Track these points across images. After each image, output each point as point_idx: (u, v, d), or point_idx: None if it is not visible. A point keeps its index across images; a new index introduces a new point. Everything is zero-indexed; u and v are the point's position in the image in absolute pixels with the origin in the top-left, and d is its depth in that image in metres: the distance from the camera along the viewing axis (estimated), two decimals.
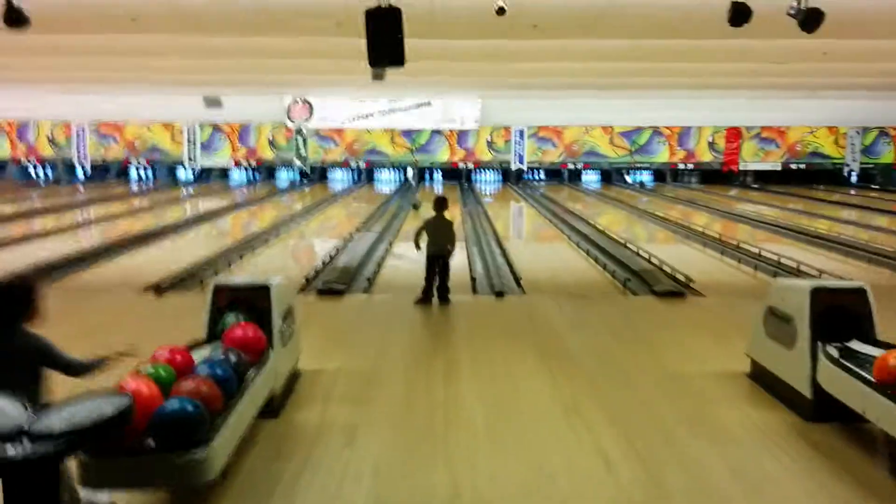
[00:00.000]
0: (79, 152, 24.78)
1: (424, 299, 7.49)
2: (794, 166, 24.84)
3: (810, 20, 7.25)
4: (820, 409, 4.32)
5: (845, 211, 18.17)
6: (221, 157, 24.96)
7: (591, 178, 25.87)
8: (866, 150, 24.76)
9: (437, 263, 7.46)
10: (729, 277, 9.78)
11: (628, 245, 11.58)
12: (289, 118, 24.24)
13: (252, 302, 4.39)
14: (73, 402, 2.31)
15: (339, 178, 25.71)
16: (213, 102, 23.36)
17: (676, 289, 8.31)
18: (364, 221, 14.84)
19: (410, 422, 4.34)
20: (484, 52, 12.86)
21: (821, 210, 17.81)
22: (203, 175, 25.61)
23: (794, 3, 7.30)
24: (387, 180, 25.46)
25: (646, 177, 26.00)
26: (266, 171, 25.77)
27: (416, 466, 3.71)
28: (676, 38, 11.42)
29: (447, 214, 7.65)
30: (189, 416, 2.88)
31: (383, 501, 3.34)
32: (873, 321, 4.50)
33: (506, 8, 7.82)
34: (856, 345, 4.39)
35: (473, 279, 8.99)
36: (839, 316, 4.50)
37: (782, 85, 18.13)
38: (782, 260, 9.95)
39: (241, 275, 9.19)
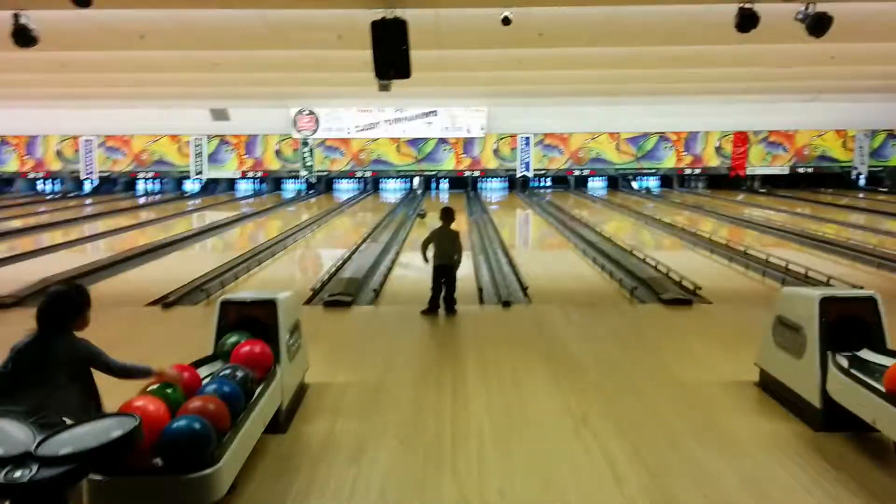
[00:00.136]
0: (86, 166, 24.94)
1: (431, 310, 7.49)
2: (801, 170, 24.74)
3: (818, 25, 7.24)
4: (830, 419, 4.29)
5: (854, 215, 18.07)
6: (228, 169, 25.07)
7: (597, 185, 25.85)
8: (875, 153, 24.64)
9: (444, 274, 7.47)
10: (736, 284, 9.74)
11: (635, 252, 11.54)
12: (295, 129, 24.34)
13: (259, 317, 4.40)
14: (80, 425, 2.31)
15: (345, 188, 25.78)
16: (219, 115, 23.49)
17: (684, 296, 8.28)
18: (370, 231, 14.86)
19: (418, 435, 4.32)
20: (489, 61, 12.91)
21: (829, 214, 17.71)
22: (210, 187, 25.73)
23: (802, 9, 7.30)
24: (393, 189, 25.51)
25: (652, 182, 25.95)
26: (273, 182, 25.88)
27: (424, 482, 3.70)
28: (682, 44, 11.43)
29: (454, 225, 7.65)
30: (196, 434, 2.88)
31: None
32: (883, 330, 4.47)
33: (511, 18, 7.85)
34: (866, 354, 4.36)
35: (480, 289, 8.98)
36: (849, 325, 4.46)
37: (789, 89, 18.12)
38: (790, 266, 9.89)
39: (248, 290, 9.21)
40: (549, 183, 25.96)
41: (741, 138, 24.53)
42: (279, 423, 4.24)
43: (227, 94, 19.23)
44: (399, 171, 25.08)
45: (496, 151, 24.78)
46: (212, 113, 23.45)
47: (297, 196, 24.70)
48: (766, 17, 7.45)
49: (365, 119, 24.35)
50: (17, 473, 2.03)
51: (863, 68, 14.58)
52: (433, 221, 8.21)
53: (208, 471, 2.82)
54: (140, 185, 25.78)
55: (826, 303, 4.47)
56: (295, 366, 4.66)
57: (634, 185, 25.83)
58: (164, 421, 2.98)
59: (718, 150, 24.67)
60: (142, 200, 23.66)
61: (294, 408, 4.64)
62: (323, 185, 25.51)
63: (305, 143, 24.53)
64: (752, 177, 25.05)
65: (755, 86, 17.40)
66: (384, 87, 12.11)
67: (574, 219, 17.03)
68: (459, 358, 6.04)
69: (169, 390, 3.30)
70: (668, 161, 24.81)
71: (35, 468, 2.05)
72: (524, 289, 8.96)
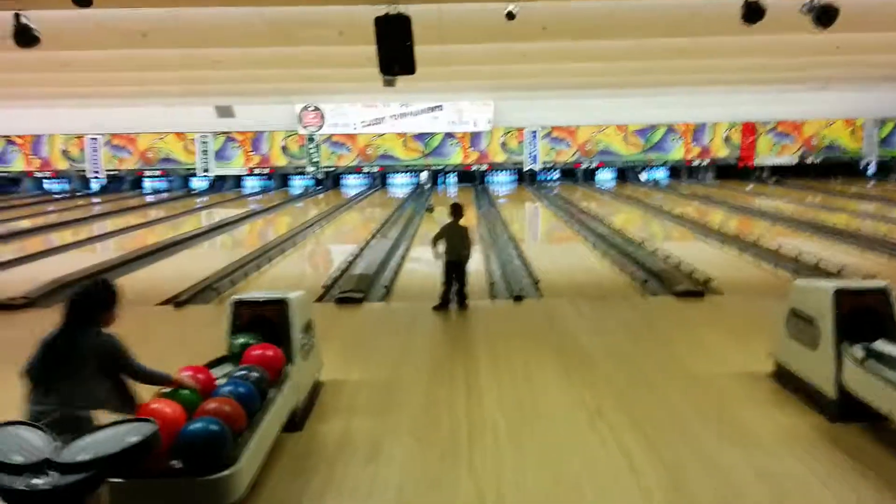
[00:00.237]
0: (93, 165, 25.03)
1: (443, 306, 7.49)
2: (810, 160, 24.57)
3: (824, 16, 7.18)
4: (845, 410, 4.27)
5: (863, 204, 17.95)
6: (235, 166, 25.11)
7: (605, 177, 25.76)
8: (883, 142, 24.46)
9: (455, 269, 7.47)
10: (748, 275, 9.70)
11: (645, 244, 11.51)
12: (301, 125, 24.35)
13: (271, 317, 4.40)
14: (98, 431, 2.32)
15: (352, 184, 25.79)
16: (225, 112, 23.52)
17: (695, 288, 8.25)
18: (379, 227, 14.86)
19: (433, 432, 4.33)
20: (494, 55, 12.86)
21: (838, 203, 17.61)
22: (217, 184, 25.80)
23: (808, 0, 7.24)
24: (400, 184, 25.50)
25: (661, 174, 25.84)
26: (279, 179, 25.91)
27: (440, 479, 3.70)
28: (686, 35, 11.36)
29: (463, 221, 7.65)
30: (213, 436, 2.89)
31: None
32: None
33: (515, 13, 7.81)
34: (881, 345, 4.33)
35: (491, 283, 8.98)
36: (862, 316, 4.44)
37: (796, 79, 17.98)
38: (801, 256, 9.84)
39: (259, 287, 9.23)
40: (557, 176, 25.89)
41: (749, 129, 24.39)
42: (295, 422, 4.25)
43: (231, 91, 19.23)
44: (406, 165, 25.06)
45: (503, 145, 24.72)
46: (217, 110, 23.48)
47: (305, 192, 24.73)
48: (772, 9, 7.39)
49: (370, 114, 24.33)
50: (37, 480, 2.03)
51: (870, 57, 14.46)
52: (441, 216, 8.20)
53: (226, 472, 2.83)
54: (147, 184, 25.86)
55: (840, 295, 4.46)
56: (309, 365, 4.67)
57: (642, 176, 25.73)
58: (181, 423, 3.00)
59: (727, 140, 24.54)
60: (149, 199, 23.72)
61: (309, 406, 4.65)
62: (330, 180, 25.53)
63: (311, 139, 24.54)
64: (761, 167, 24.91)
65: (762, 76, 17.27)
66: (389, 83, 12.10)
67: (583, 211, 16.99)
68: (472, 353, 6.05)
69: (185, 392, 3.31)
70: (677, 152, 24.70)
71: (54, 475, 2.06)
72: (535, 283, 8.94)
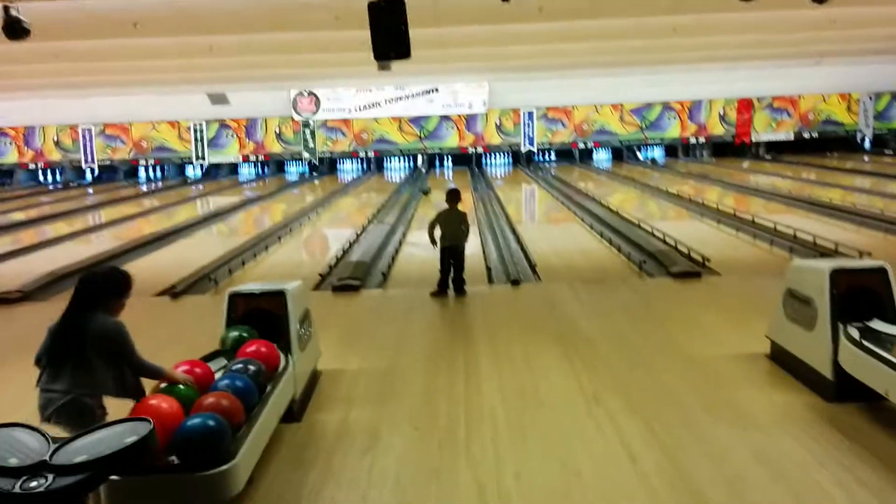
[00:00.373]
0: (86, 155, 24.90)
1: (440, 292, 7.49)
2: (806, 135, 24.52)
3: None
4: (842, 390, 4.28)
5: (859, 179, 17.94)
6: (229, 153, 25.00)
7: (602, 157, 25.69)
8: (879, 116, 24.38)
9: (452, 255, 7.46)
10: (744, 254, 9.70)
11: (642, 225, 11.49)
12: (295, 111, 24.21)
13: (269, 308, 4.39)
14: (94, 431, 2.31)
15: (348, 169, 25.70)
16: (218, 99, 23.36)
17: (692, 269, 8.25)
18: (376, 212, 14.83)
19: (432, 421, 4.33)
20: (489, 37, 12.77)
21: (835, 179, 17.59)
22: (212, 172, 25.70)
23: None
24: (397, 169, 25.42)
25: (657, 153, 25.78)
26: (275, 165, 25.82)
27: (440, 469, 3.71)
28: (682, 13, 11.27)
29: (460, 206, 7.62)
30: (211, 432, 2.88)
31: None
32: (894, 300, 4.45)
33: None
34: (877, 324, 4.34)
35: (489, 268, 8.97)
36: (859, 296, 4.45)
37: (792, 54, 17.88)
38: (798, 234, 9.84)
39: (256, 276, 9.21)
40: (553, 157, 25.82)
41: (745, 105, 24.29)
42: (293, 413, 4.25)
43: (225, 78, 19.09)
44: (402, 149, 24.96)
45: (499, 127, 24.61)
46: (210, 97, 23.32)
47: (301, 178, 24.64)
48: None
49: (366, 98, 24.18)
50: (33, 483, 2.03)
51: (865, 31, 14.37)
52: (438, 198, 8.18)
53: (224, 467, 2.83)
54: (142, 173, 25.76)
55: (836, 275, 4.45)
56: (306, 355, 4.67)
57: (640, 155, 25.66)
58: (179, 419, 2.99)
59: (723, 117, 24.45)
60: (144, 188, 23.64)
61: (307, 396, 4.66)
62: (326, 166, 25.43)
63: (306, 125, 24.41)
64: (758, 143, 24.84)
65: (757, 52, 17.16)
66: (384, 67, 11.99)
67: (580, 192, 16.96)
68: (470, 339, 6.05)
69: (182, 387, 3.30)
70: (673, 130, 24.61)
71: (50, 478, 2.05)
72: (532, 266, 8.94)
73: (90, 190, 23.13)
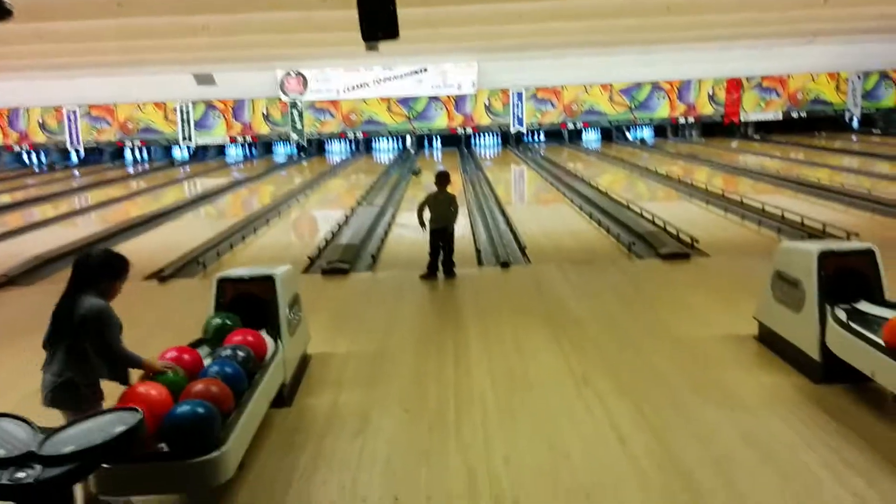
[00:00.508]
0: (71, 136, 24.61)
1: (430, 274, 7.49)
2: (795, 115, 24.56)
3: None
4: (829, 372, 4.32)
5: (847, 158, 18.02)
6: (216, 135, 24.77)
7: (591, 138, 25.65)
8: (867, 95, 24.44)
9: (442, 238, 7.44)
10: (733, 234, 9.74)
11: (631, 206, 11.51)
12: (283, 91, 23.98)
13: (257, 293, 4.37)
14: (82, 422, 2.30)
15: (336, 150, 25.54)
16: (204, 79, 23.08)
17: (681, 250, 8.28)
18: (365, 193, 14.76)
19: (422, 404, 4.34)
20: (478, 16, 12.65)
21: (823, 159, 17.65)
22: (199, 153, 25.48)
23: None
24: (385, 150, 25.29)
25: (646, 133, 25.77)
26: (262, 147, 25.62)
27: (429, 452, 3.72)
28: None
29: (449, 189, 7.60)
30: (200, 419, 2.87)
31: (398, 493, 3.34)
32: (881, 282, 4.48)
33: None
34: (864, 306, 4.38)
35: (478, 250, 8.96)
36: (847, 278, 4.47)
37: (783, 33, 17.83)
38: (786, 215, 9.88)
39: (245, 260, 9.17)
40: (542, 137, 25.75)
41: (734, 85, 24.27)
42: (283, 397, 4.25)
43: (211, 58, 18.84)
44: (391, 130, 24.82)
45: (488, 107, 24.49)
46: (196, 78, 23.04)
47: (289, 160, 24.48)
48: None
49: (354, 79, 23.97)
50: (21, 474, 2.01)
51: (856, 10, 14.34)
52: (428, 180, 8.14)
53: (214, 454, 2.82)
54: (128, 154, 25.50)
55: (824, 257, 4.47)
56: (296, 339, 4.65)
57: (629, 135, 25.64)
58: (168, 406, 2.98)
59: (712, 97, 24.43)
60: (131, 170, 23.40)
61: (297, 381, 4.65)
62: (314, 147, 25.27)
63: (294, 106, 24.20)
64: (746, 123, 24.87)
65: (751, 31, 17.10)
66: (372, 47, 11.87)
67: (569, 173, 16.94)
68: (460, 322, 6.05)
69: (171, 373, 3.28)
70: (662, 111, 24.58)
71: (39, 468, 2.03)
72: (522, 248, 8.94)
73: (76, 172, 22.89)
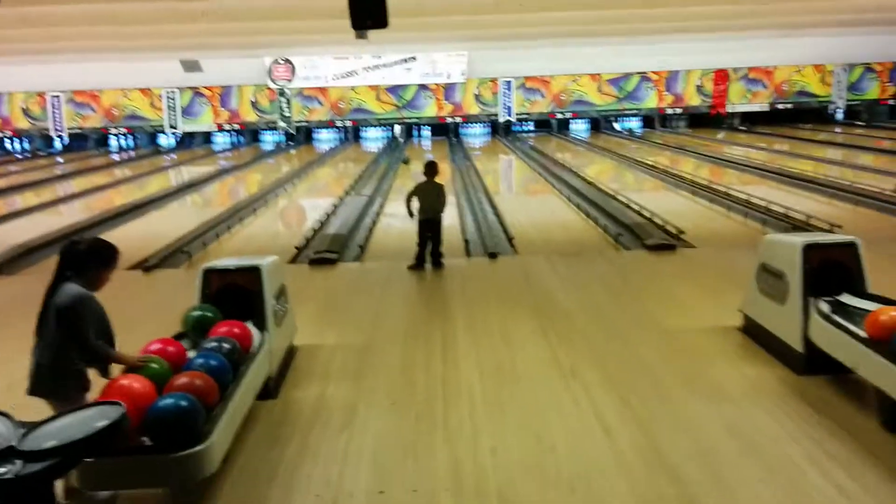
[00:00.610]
0: (55, 123, 24.31)
1: (418, 265, 7.47)
2: (781, 106, 24.68)
3: None
4: (812, 363, 4.36)
5: (831, 150, 18.14)
6: (203, 122, 24.56)
7: (579, 128, 25.66)
8: (852, 87, 24.58)
9: (430, 228, 7.42)
10: (719, 226, 9.79)
11: (618, 197, 11.53)
12: (271, 79, 23.79)
13: (243, 284, 4.34)
14: (64, 416, 2.27)
15: (325, 139, 25.40)
16: (191, 66, 22.85)
17: (668, 241, 8.31)
18: (353, 182, 14.69)
19: (409, 397, 4.33)
20: (468, 4, 12.59)
21: (807, 151, 17.76)
22: (185, 141, 25.26)
23: None
24: (374, 138, 25.18)
25: (634, 123, 25.81)
26: (250, 134, 25.43)
27: (416, 445, 3.72)
28: None
29: (438, 179, 7.57)
30: (183, 412, 2.85)
31: (384, 486, 3.33)
32: (864, 274, 4.52)
33: None
34: (847, 298, 4.41)
35: (466, 240, 8.95)
36: (830, 270, 4.50)
37: (769, 25, 17.88)
38: (771, 206, 9.94)
39: (231, 250, 9.11)
40: (531, 127, 25.73)
41: (721, 76, 24.33)
42: (269, 390, 4.23)
43: (198, 45, 18.65)
44: (380, 119, 24.70)
45: (477, 97, 24.42)
46: (183, 64, 22.81)
47: (277, 148, 24.33)
48: None
49: (342, 67, 23.82)
50: (1, 469, 1.99)
51: (840, 3, 14.41)
52: (417, 168, 8.11)
53: (198, 448, 2.80)
54: (113, 142, 25.24)
55: (809, 250, 4.50)
56: (282, 331, 4.63)
57: (617, 126, 25.67)
58: (151, 398, 2.95)
59: (699, 88, 24.49)
60: (116, 157, 23.18)
61: (283, 372, 4.63)
62: (302, 135, 25.12)
63: (282, 94, 24.02)
64: (733, 114, 24.96)
65: (734, 23, 17.14)
66: (361, 36, 11.81)
67: (557, 163, 16.94)
68: (448, 313, 6.05)
69: (155, 366, 3.26)
70: (650, 101, 24.61)
71: (19, 463, 2.01)
72: (510, 239, 8.94)
73: (60, 159, 22.63)
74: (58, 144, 24.93)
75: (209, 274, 4.40)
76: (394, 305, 6.40)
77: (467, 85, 24.20)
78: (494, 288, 6.84)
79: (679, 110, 24.84)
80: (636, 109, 24.85)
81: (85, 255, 3.14)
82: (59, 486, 2.80)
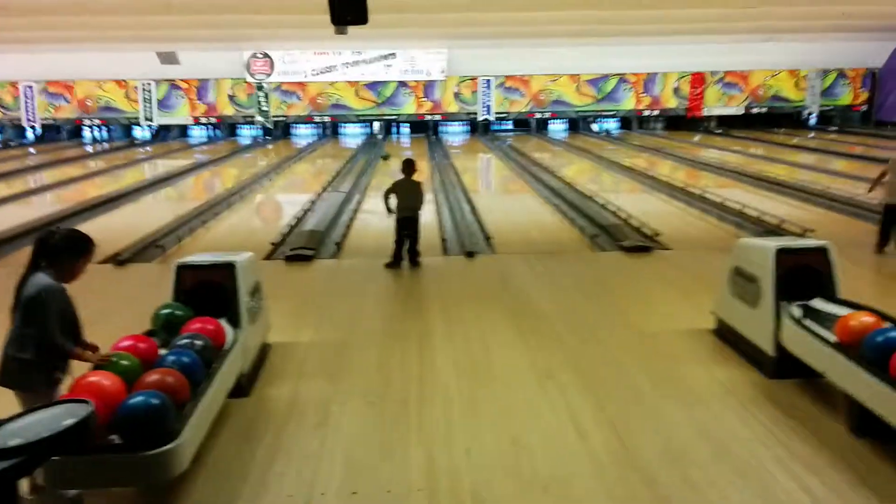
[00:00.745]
0: (28, 113, 23.87)
1: (394, 263, 7.44)
2: (756, 110, 25.01)
3: None
4: (782, 367, 4.41)
5: (804, 155, 18.41)
6: (180, 115, 24.27)
7: (558, 128, 25.77)
8: (826, 93, 24.98)
9: (407, 226, 7.40)
10: (694, 229, 9.88)
11: (595, 198, 11.60)
12: (249, 73, 23.57)
13: (217, 281, 4.29)
14: (31, 413, 2.23)
15: (303, 134, 25.23)
16: (168, 58, 22.56)
17: (643, 243, 8.36)
18: (331, 179, 14.61)
19: (384, 396, 4.31)
20: (449, 2, 12.59)
21: (781, 155, 18.01)
22: (161, 134, 24.94)
23: None
24: (353, 134, 25.06)
25: (612, 124, 25.99)
26: (227, 128, 25.18)
27: (390, 446, 3.70)
28: None
29: (416, 177, 7.55)
30: (153, 410, 2.81)
31: (357, 487, 3.32)
32: (834, 279, 4.58)
33: None
34: (818, 303, 4.47)
35: (444, 239, 8.95)
36: (802, 275, 4.56)
37: (746, 29, 18.11)
38: (745, 210, 10.06)
39: (206, 245, 9.00)
40: (510, 126, 25.79)
41: (698, 79, 24.59)
42: (242, 387, 4.19)
43: (176, 36, 18.43)
44: (358, 115, 24.59)
45: (457, 95, 24.42)
46: (159, 56, 22.50)
47: (254, 142, 24.11)
48: None
49: (322, 62, 23.68)
50: None
51: (817, 9, 14.64)
52: (397, 165, 8.07)
53: (168, 446, 2.76)
54: (86, 133, 24.85)
55: (781, 254, 4.55)
56: (256, 328, 4.59)
57: (594, 127, 25.83)
58: (121, 396, 2.91)
59: (676, 91, 24.73)
60: (89, 149, 22.81)
61: (257, 370, 4.59)
62: (280, 130, 24.92)
63: (260, 88, 23.81)
64: (709, 117, 25.24)
65: (713, 27, 17.35)
66: (341, 31, 11.73)
67: (535, 163, 16.99)
68: (424, 313, 6.04)
69: (126, 362, 3.20)
70: (628, 103, 24.80)
71: None
72: (487, 238, 8.95)
73: (32, 150, 22.23)
74: (30, 135, 24.51)
75: (183, 270, 4.34)
76: (370, 303, 6.37)
77: (447, 83, 24.19)
78: (471, 287, 6.85)
79: (656, 112, 25.06)
80: (614, 111, 25.02)
81: (60, 246, 3.09)
82: (23, 483, 2.75)
